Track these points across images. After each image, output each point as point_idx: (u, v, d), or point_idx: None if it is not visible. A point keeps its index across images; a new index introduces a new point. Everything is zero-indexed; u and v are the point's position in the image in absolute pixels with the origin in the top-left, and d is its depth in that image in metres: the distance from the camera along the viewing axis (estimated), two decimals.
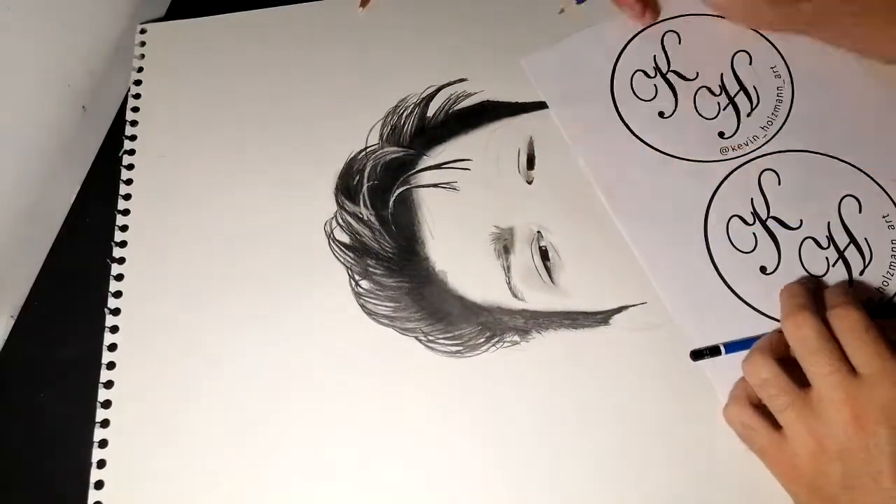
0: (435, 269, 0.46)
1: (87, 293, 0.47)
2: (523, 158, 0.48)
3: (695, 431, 0.41)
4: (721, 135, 0.48)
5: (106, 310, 0.46)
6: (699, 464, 0.40)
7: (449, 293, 0.45)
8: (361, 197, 0.48)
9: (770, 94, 0.49)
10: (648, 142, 0.48)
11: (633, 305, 0.44)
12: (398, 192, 0.48)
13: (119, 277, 0.47)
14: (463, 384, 0.43)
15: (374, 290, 0.46)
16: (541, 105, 0.50)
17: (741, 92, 0.49)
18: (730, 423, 0.40)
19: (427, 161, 0.49)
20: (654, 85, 0.50)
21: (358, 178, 0.49)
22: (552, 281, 0.45)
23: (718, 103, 0.49)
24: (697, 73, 0.50)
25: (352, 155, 0.49)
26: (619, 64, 0.51)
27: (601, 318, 0.44)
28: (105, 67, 0.54)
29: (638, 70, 0.50)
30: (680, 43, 0.51)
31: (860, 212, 0.45)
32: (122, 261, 0.48)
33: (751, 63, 0.50)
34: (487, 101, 0.50)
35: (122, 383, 0.44)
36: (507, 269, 0.45)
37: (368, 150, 0.50)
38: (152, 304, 0.46)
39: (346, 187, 0.49)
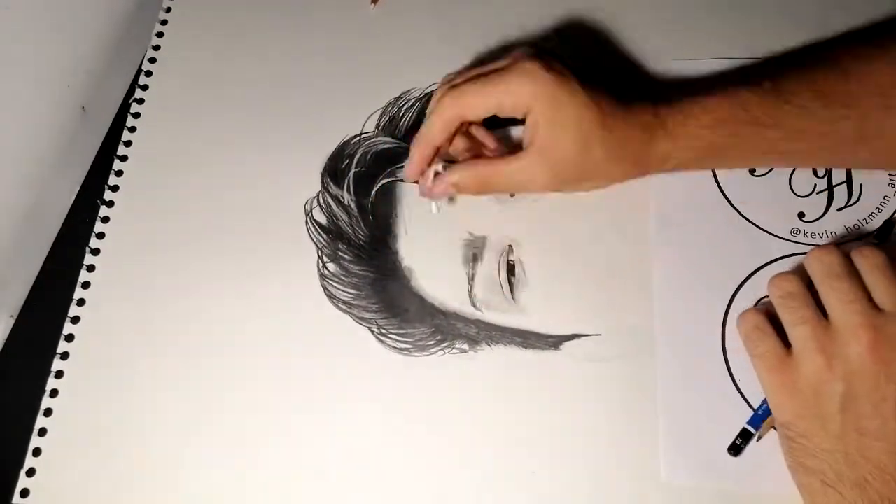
0: (402, 265, 0.46)
1: None
2: None
3: (622, 473, 0.40)
4: (801, 216, 0.45)
5: (87, 248, 0.48)
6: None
7: (410, 290, 0.46)
8: (347, 181, 0.49)
9: (874, 198, 0.45)
10: (725, 191, 0.46)
11: (587, 335, 0.44)
12: (382, 182, 0.48)
13: (105, 219, 0.49)
14: (406, 382, 0.43)
15: (340, 275, 0.46)
16: None
17: (845, 184, 0.46)
18: (741, 324, 0.40)
19: None
20: None
21: (347, 162, 0.49)
22: (513, 297, 0.45)
23: (815, 185, 0.46)
24: None
25: (345, 139, 0.50)
26: None
27: (553, 342, 0.44)
28: (105, 68, 0.55)
29: None
30: None
31: None
32: (111, 204, 0.50)
33: None
34: None
35: (85, 341, 0.46)
36: (472, 278, 0.45)
37: (363, 136, 0.50)
38: (130, 256, 0.48)
39: (334, 170, 0.49)
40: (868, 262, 0.37)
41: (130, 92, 0.53)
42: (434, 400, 0.43)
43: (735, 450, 0.40)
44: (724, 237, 0.45)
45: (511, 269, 0.45)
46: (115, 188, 0.50)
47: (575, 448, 0.41)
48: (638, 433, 0.41)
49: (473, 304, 0.45)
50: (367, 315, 0.45)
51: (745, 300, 0.43)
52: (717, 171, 0.47)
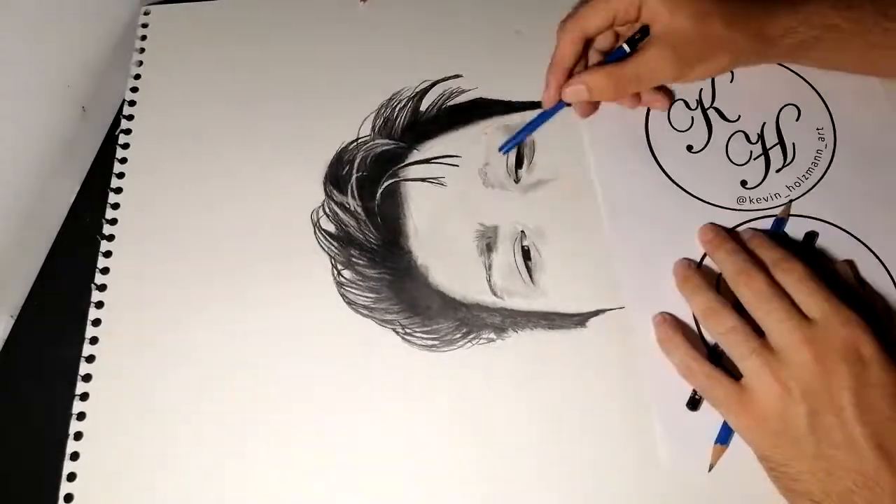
0: (417, 263, 0.46)
1: (87, 293, 0.47)
2: (512, 157, 0.48)
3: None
4: (743, 183, 0.47)
5: (93, 285, 0.47)
6: (659, 477, 0.41)
7: (429, 287, 0.46)
8: (350, 187, 0.49)
9: (807, 155, 0.47)
10: (668, 172, 0.47)
11: (611, 309, 0.44)
12: (386, 184, 0.48)
13: (108, 254, 0.48)
14: (437, 378, 0.43)
15: (356, 281, 0.46)
16: (533, 105, 0.50)
17: (778, 146, 0.48)
18: (691, 378, 0.40)
19: (417, 155, 0.49)
20: (692, 117, 0.49)
21: (347, 168, 0.49)
22: (532, 281, 0.45)
23: (751, 151, 0.47)
24: (739, 116, 0.49)
25: (343, 145, 0.50)
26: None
27: (578, 320, 0.44)
28: (105, 67, 0.54)
29: (680, 99, 0.49)
30: (731, 81, 0.50)
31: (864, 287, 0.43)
32: (111, 238, 0.48)
33: (798, 119, 0.48)
34: (480, 98, 0.51)
35: (102, 368, 0.45)
36: (489, 267, 0.46)
37: (360, 140, 0.50)
38: (138, 284, 0.47)
39: (335, 177, 0.49)
40: (791, 276, 0.39)
41: (131, 73, 0.53)
42: (469, 392, 0.43)
43: (693, 404, 0.41)
44: (676, 218, 0.46)
45: (526, 254, 0.46)
46: (114, 215, 0.49)
47: (618, 421, 0.42)
48: None
49: (494, 293, 0.45)
50: (389, 317, 0.45)
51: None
52: (656, 150, 0.48)
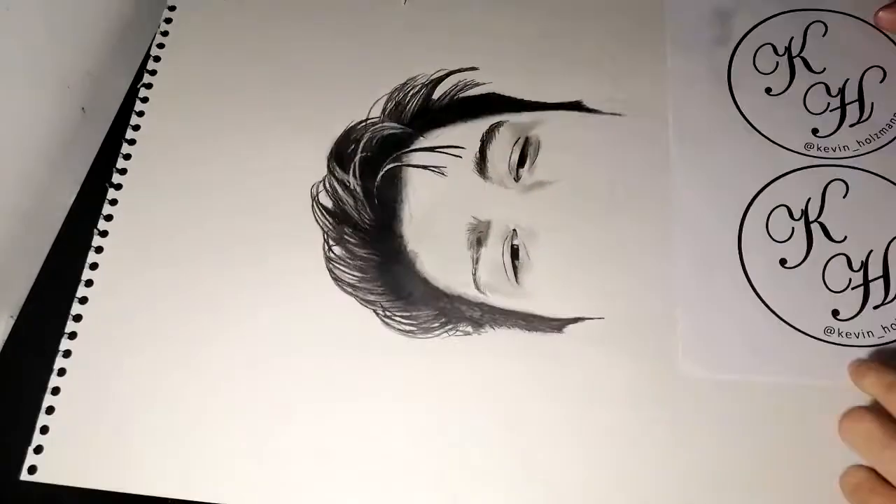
0: (406, 248, 0.47)
1: None
2: (515, 155, 0.48)
3: (616, 452, 0.41)
4: (815, 131, 0.48)
5: (94, 238, 0.48)
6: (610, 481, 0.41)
7: (415, 274, 0.46)
8: (353, 166, 0.49)
9: (885, 115, 0.48)
10: (741, 107, 0.49)
11: (591, 319, 0.44)
12: (388, 167, 0.49)
13: (108, 217, 0.49)
14: (410, 364, 0.44)
15: (345, 258, 0.47)
16: (544, 106, 0.50)
17: (857, 102, 0.48)
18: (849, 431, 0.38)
19: (422, 142, 0.49)
20: (777, 62, 0.50)
21: (353, 147, 0.50)
22: (517, 280, 0.45)
23: (828, 103, 0.48)
24: (824, 69, 0.49)
25: (351, 124, 0.50)
26: (754, 31, 0.51)
27: (556, 325, 0.44)
28: (105, 68, 0.55)
29: (769, 43, 0.51)
30: (824, 35, 0.50)
31: None
32: (114, 202, 0.49)
33: (882, 81, 0.49)
34: (493, 93, 0.50)
35: (89, 334, 0.46)
36: (476, 261, 0.46)
37: (369, 121, 0.50)
38: (133, 246, 0.48)
39: (340, 154, 0.50)
40: None
41: (131, 92, 0.53)
42: (440, 382, 0.43)
43: None
44: (740, 150, 0.47)
45: (515, 253, 0.46)
46: (120, 182, 0.50)
47: (586, 423, 0.42)
48: (630, 412, 0.42)
49: (478, 288, 0.45)
50: (372, 297, 0.46)
51: (762, 206, 0.46)
52: (734, 87, 0.49)
